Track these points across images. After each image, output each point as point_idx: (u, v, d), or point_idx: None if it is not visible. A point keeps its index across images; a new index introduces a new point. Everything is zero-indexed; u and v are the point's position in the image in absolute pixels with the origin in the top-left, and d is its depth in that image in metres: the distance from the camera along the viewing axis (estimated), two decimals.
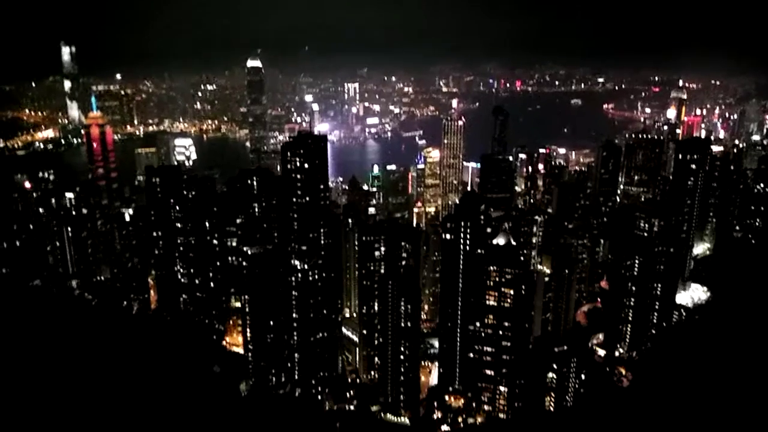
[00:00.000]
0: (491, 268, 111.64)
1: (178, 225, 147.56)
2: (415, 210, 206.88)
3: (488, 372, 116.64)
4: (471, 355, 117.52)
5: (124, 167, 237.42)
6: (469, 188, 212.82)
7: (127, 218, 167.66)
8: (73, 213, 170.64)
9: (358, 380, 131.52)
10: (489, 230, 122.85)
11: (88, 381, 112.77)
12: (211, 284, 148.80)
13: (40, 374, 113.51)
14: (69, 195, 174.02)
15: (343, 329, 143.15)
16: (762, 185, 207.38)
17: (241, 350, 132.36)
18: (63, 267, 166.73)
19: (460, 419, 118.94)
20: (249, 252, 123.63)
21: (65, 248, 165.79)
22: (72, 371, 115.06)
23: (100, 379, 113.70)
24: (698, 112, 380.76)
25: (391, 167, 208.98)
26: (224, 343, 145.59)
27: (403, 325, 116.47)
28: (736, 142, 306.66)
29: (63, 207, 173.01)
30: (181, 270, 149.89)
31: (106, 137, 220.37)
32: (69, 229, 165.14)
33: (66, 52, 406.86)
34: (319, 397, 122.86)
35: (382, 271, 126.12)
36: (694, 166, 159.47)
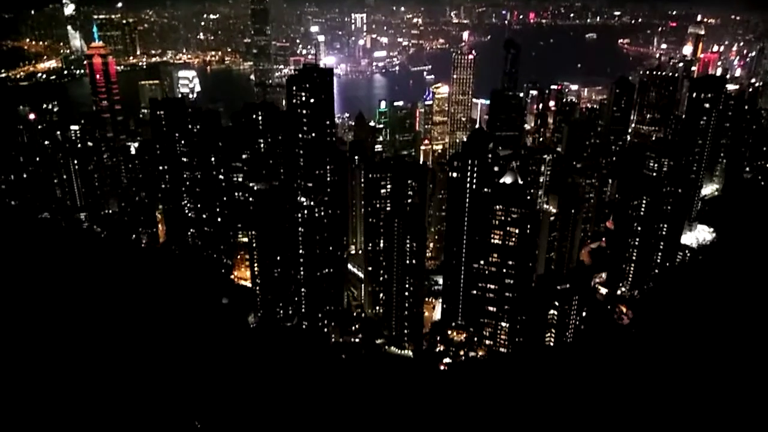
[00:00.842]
0: (497, 207, 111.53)
1: (184, 159, 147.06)
2: (422, 147, 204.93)
3: (491, 308, 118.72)
4: (474, 292, 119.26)
5: (127, 99, 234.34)
6: (477, 126, 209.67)
7: (133, 151, 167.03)
8: (79, 146, 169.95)
9: (363, 315, 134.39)
10: (496, 169, 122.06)
11: (98, 314, 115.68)
12: (219, 219, 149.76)
13: (52, 309, 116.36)
14: (74, 127, 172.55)
15: (349, 265, 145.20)
16: None
17: (248, 284, 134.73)
18: (71, 200, 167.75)
19: (461, 353, 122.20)
20: (255, 188, 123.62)
21: (72, 181, 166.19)
22: (83, 305, 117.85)
23: (111, 313, 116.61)
24: (715, 48, 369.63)
25: (399, 103, 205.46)
26: (232, 276, 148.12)
27: (408, 262, 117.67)
28: (753, 80, 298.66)
29: (68, 139, 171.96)
30: (189, 204, 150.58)
31: (108, 68, 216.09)
32: (75, 161, 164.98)
33: None
34: (325, 330, 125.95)
35: (388, 208, 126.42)
36: (707, 105, 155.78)
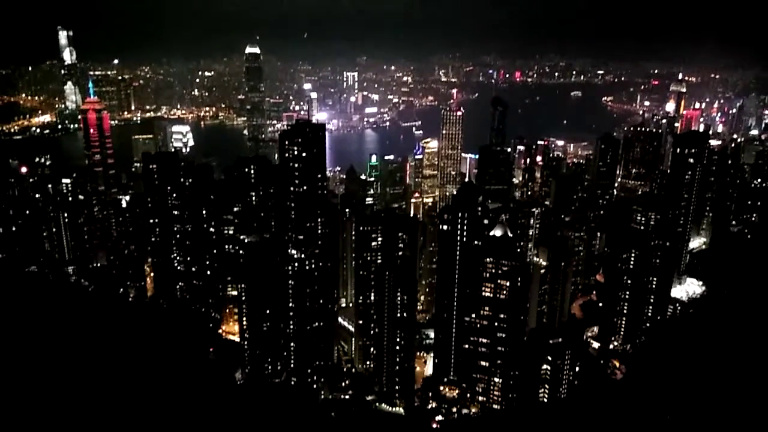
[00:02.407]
0: (488, 259, 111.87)
1: (175, 212, 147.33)
2: (413, 200, 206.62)
3: (483, 363, 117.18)
4: (466, 346, 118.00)
5: (121, 153, 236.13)
6: (467, 179, 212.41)
7: (124, 205, 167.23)
8: (70, 199, 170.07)
9: (353, 370, 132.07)
10: (486, 222, 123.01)
11: (85, 367, 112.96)
12: (208, 272, 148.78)
13: (38, 360, 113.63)
14: (65, 181, 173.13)
15: (340, 319, 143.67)
16: (759, 180, 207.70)
17: (237, 338, 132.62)
18: (59, 253, 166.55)
19: (454, 410, 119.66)
20: (246, 240, 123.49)
21: (62, 234, 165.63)
22: (69, 358, 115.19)
23: (97, 365, 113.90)
24: (697, 105, 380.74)
25: (389, 157, 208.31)
26: (220, 331, 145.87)
27: (399, 315, 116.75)
28: (735, 136, 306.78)
29: (59, 193, 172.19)
30: (178, 257, 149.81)
31: (103, 123, 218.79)
32: (65, 215, 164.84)
33: (63, 37, 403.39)
34: (315, 386, 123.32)
35: (379, 261, 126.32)
36: (691, 160, 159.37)
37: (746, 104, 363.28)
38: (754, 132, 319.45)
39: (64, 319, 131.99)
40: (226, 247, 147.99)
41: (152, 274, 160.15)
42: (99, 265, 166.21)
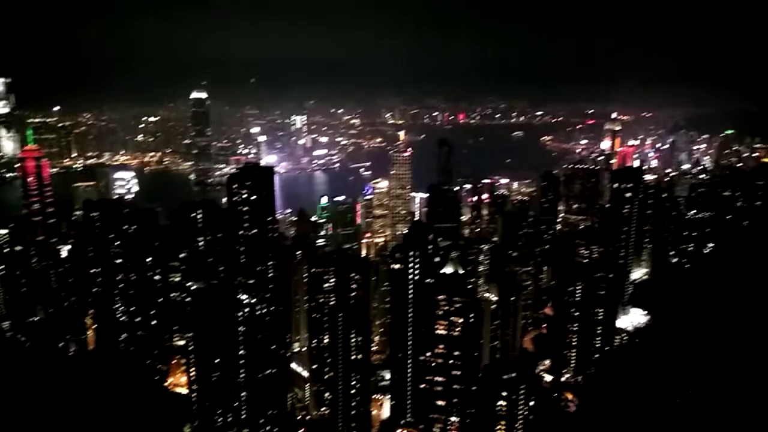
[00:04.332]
0: (440, 297, 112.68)
1: (118, 261, 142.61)
2: (364, 241, 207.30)
3: (440, 402, 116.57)
4: (422, 385, 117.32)
5: (61, 202, 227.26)
6: (417, 218, 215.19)
7: (64, 255, 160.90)
8: (6, 250, 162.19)
9: (308, 417, 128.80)
10: (437, 260, 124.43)
11: (22, 428, 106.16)
12: (153, 322, 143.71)
13: None
14: (2, 231, 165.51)
15: (293, 365, 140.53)
16: (694, 212, 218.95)
17: (185, 391, 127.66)
18: None
19: None
20: (193, 287, 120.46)
21: None
22: (4, 417, 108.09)
23: (36, 426, 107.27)
24: (631, 142, 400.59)
25: (340, 198, 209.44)
26: (167, 383, 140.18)
27: (353, 357, 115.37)
28: (668, 170, 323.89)
29: None
30: (121, 308, 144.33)
31: (42, 171, 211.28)
32: (1, 267, 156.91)
33: (1, 84, 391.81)
34: None
35: (332, 302, 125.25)
36: (628, 195, 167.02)
37: (677, 140, 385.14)
38: (686, 166, 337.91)
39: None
40: (173, 295, 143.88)
41: (94, 327, 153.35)
42: (37, 318, 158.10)
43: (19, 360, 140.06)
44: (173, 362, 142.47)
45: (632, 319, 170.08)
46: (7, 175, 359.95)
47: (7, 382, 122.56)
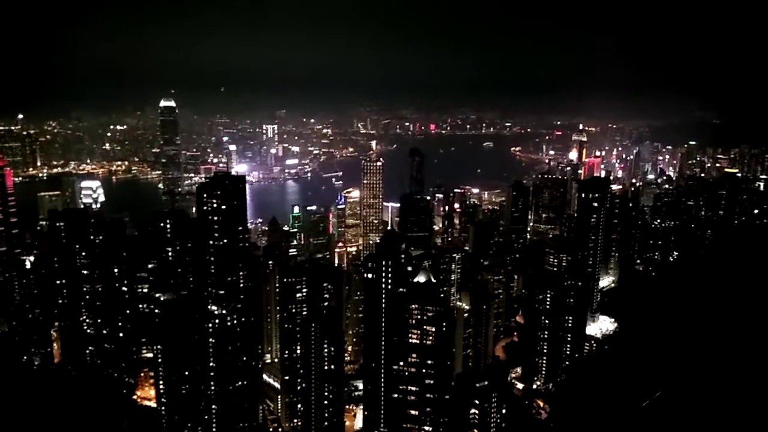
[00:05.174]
0: (413, 306, 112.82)
1: (85, 272, 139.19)
2: (337, 250, 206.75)
3: (413, 412, 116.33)
4: (395, 395, 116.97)
5: (25, 211, 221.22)
6: (389, 227, 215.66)
7: (28, 266, 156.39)
8: None
9: (280, 429, 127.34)
10: (410, 269, 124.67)
11: None
12: (120, 334, 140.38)
13: None
14: None
15: (265, 376, 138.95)
16: (658, 221, 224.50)
17: (153, 404, 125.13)
18: None
19: None
20: (162, 298, 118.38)
21: None
22: None
23: None
24: (598, 153, 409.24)
25: (312, 208, 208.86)
26: (135, 397, 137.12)
27: (326, 368, 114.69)
28: (633, 180, 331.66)
29: None
30: (88, 320, 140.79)
31: (5, 180, 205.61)
32: None
33: None
34: None
35: (305, 313, 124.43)
36: (595, 204, 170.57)
37: (642, 151, 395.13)
38: (651, 176, 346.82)
39: None
40: (141, 306, 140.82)
41: (59, 339, 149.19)
42: (0, 331, 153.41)
43: None
44: (141, 375, 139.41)
45: (601, 326, 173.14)
46: None
47: None
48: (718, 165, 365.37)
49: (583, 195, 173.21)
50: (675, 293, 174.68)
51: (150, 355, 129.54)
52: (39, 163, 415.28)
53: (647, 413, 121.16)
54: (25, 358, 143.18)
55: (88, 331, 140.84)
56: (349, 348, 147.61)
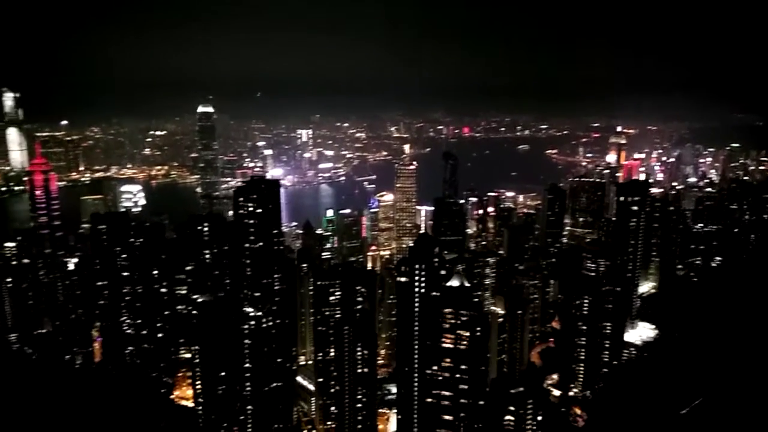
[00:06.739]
0: (446, 310, 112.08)
1: (125, 274, 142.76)
2: (370, 253, 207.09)
3: (447, 417, 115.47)
4: (429, 400, 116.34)
5: (68, 215, 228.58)
6: (422, 231, 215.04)
7: (71, 267, 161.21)
8: (14, 263, 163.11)
9: (314, 431, 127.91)
10: (443, 273, 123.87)
11: None
12: (159, 335, 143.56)
13: None
14: (10, 244, 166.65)
15: (299, 378, 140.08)
16: (700, 225, 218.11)
17: (190, 404, 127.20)
18: (1, 320, 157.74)
19: None
20: (199, 300, 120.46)
21: (3, 300, 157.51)
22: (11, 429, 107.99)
23: None
24: (636, 156, 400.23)
25: (345, 211, 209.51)
26: (173, 396, 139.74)
27: (359, 371, 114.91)
28: (674, 184, 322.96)
29: (3, 257, 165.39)
30: (128, 320, 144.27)
31: (49, 184, 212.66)
32: (8, 280, 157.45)
33: (9, 98, 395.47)
34: None
35: (338, 315, 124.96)
36: (635, 208, 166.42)
37: (683, 154, 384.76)
38: (692, 179, 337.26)
39: (5, 388, 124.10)
40: (179, 307, 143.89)
41: (100, 339, 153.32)
42: (44, 331, 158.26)
43: (25, 372, 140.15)
44: (179, 375, 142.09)
45: (640, 332, 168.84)
46: (16, 189, 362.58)
47: (13, 394, 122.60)
48: (762, 168, 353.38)
49: (621, 198, 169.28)
50: (717, 299, 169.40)
51: (188, 355, 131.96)
52: (82, 168, 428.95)
53: (686, 422, 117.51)
54: (67, 357, 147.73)
55: (128, 331, 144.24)
56: (382, 351, 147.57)
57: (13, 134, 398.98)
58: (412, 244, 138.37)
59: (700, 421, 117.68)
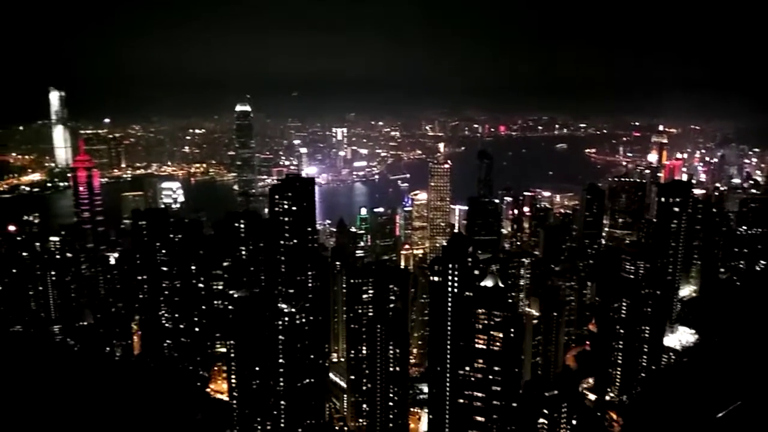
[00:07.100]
0: (480, 310, 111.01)
1: (164, 268, 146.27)
2: (403, 252, 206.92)
3: (479, 418, 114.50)
4: (461, 400, 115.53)
5: (110, 210, 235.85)
6: (456, 230, 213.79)
7: (112, 262, 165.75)
8: (57, 257, 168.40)
9: (345, 428, 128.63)
10: (477, 272, 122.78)
11: (70, 429, 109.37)
12: (196, 329, 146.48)
13: (22, 422, 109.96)
14: (54, 238, 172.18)
15: (331, 374, 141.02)
16: (744, 228, 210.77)
17: (225, 397, 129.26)
18: (45, 312, 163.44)
19: None
20: (235, 295, 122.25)
21: (48, 293, 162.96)
22: (53, 419, 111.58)
23: (82, 427, 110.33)
24: (679, 155, 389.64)
25: (379, 210, 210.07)
26: (208, 390, 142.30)
27: (391, 369, 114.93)
28: (717, 185, 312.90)
29: (47, 251, 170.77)
30: (166, 314, 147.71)
31: (92, 180, 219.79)
32: (52, 273, 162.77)
33: (55, 97, 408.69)
34: None
35: (371, 314, 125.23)
36: (676, 209, 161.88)
37: (727, 154, 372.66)
38: (736, 181, 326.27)
39: (48, 379, 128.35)
40: (215, 302, 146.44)
41: (139, 332, 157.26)
42: (85, 323, 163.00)
43: (68, 363, 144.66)
44: (215, 369, 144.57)
45: (680, 337, 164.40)
46: (60, 185, 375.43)
47: (57, 384, 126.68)
48: None
49: (663, 199, 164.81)
50: (761, 304, 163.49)
51: (223, 349, 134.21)
52: (123, 165, 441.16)
53: (723, 427, 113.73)
54: (107, 349, 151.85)
55: (166, 325, 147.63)
56: (414, 351, 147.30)
57: (59, 132, 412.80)
58: (445, 244, 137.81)
59: (737, 425, 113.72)
